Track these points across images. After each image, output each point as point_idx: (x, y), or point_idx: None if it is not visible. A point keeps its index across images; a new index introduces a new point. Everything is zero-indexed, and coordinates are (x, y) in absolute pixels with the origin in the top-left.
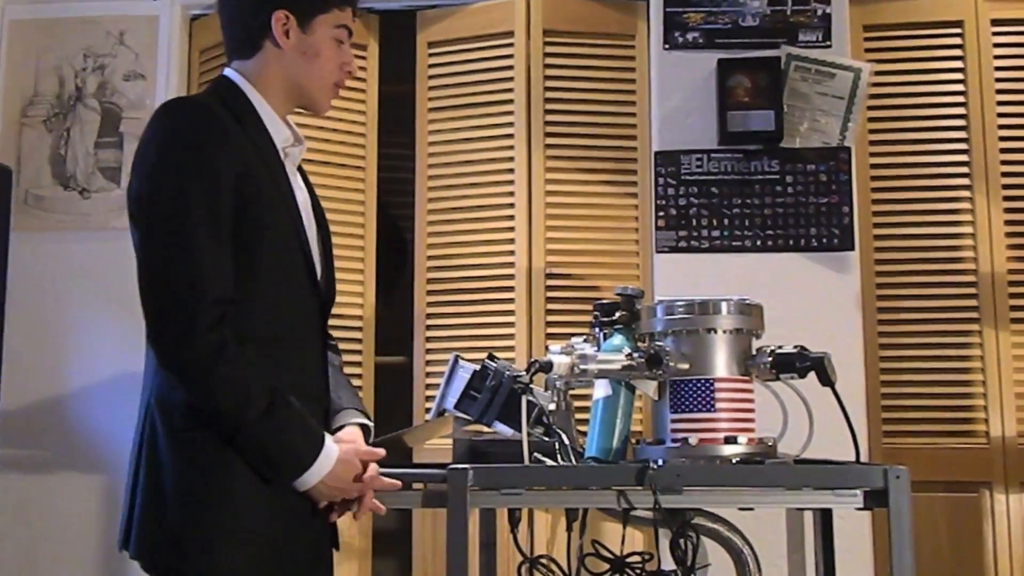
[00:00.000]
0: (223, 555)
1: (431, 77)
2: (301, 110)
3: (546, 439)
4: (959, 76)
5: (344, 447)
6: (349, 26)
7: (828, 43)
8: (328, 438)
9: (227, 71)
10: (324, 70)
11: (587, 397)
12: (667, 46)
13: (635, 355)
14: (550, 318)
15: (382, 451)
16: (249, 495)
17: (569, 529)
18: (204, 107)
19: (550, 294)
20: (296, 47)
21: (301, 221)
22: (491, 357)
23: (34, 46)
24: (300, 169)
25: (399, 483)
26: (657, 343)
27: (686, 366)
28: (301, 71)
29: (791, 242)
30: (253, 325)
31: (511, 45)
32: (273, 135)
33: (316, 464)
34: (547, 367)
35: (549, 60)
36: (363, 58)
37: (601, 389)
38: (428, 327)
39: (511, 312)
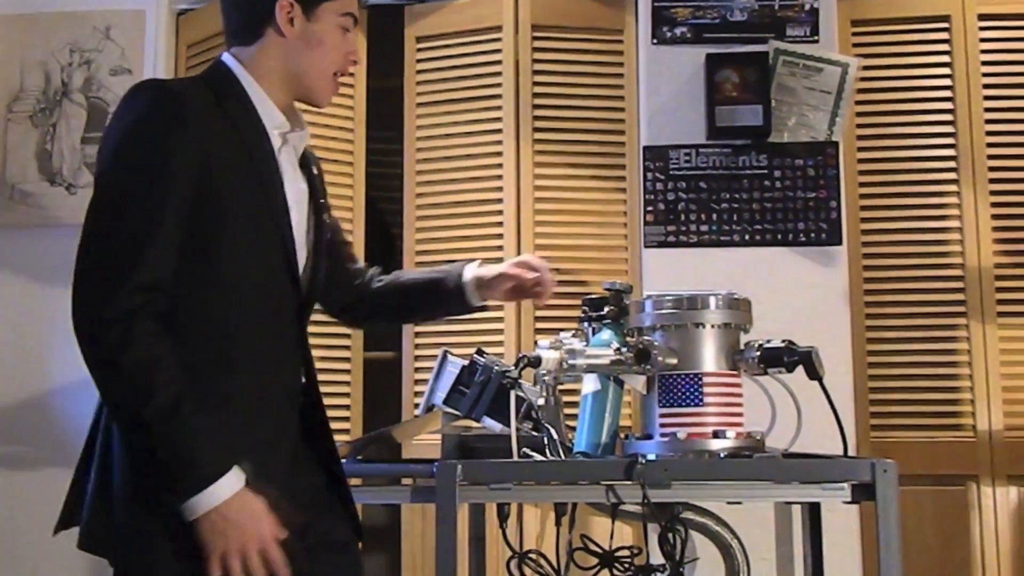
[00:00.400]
0: (169, 558)
1: (419, 72)
2: (300, 102)
3: (535, 434)
4: (946, 71)
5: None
6: (355, 14)
7: (816, 38)
8: (237, 469)
9: (224, 55)
10: (327, 59)
11: (576, 392)
12: (655, 41)
13: (624, 350)
14: (539, 313)
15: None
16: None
17: (558, 524)
18: (169, 91)
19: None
20: (300, 35)
21: (285, 210)
22: (480, 352)
23: (19, 41)
24: (308, 161)
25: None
26: (645, 338)
27: (674, 361)
28: (303, 60)
29: (779, 237)
30: (205, 315)
31: (499, 40)
32: (264, 120)
33: (221, 482)
34: (536, 362)
35: (537, 55)
36: None
37: (590, 384)
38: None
39: (500, 307)
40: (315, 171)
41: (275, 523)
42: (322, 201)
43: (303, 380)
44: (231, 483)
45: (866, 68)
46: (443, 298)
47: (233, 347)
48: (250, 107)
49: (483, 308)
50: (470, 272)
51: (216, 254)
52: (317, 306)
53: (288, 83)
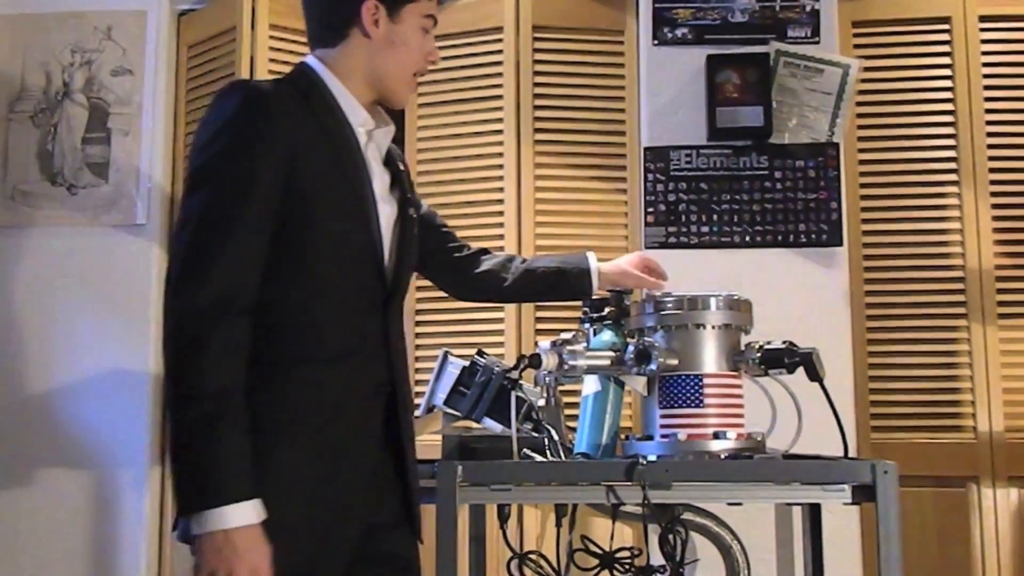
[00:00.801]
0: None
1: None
2: (379, 102)
3: (535, 435)
4: (947, 72)
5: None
6: (435, 15)
7: (817, 39)
8: (259, 503)
9: (308, 58)
10: (409, 60)
11: (576, 393)
12: (656, 42)
13: (624, 351)
14: (539, 314)
15: None
16: (285, 483)
17: (558, 525)
18: (257, 90)
19: None
20: (384, 37)
21: (373, 203)
22: (480, 353)
23: (21, 41)
24: (393, 157)
25: None
26: (646, 339)
27: (675, 362)
28: (387, 61)
29: (780, 238)
30: (293, 305)
31: (500, 41)
32: (349, 117)
33: (240, 507)
34: (536, 363)
35: (538, 56)
36: None
37: (590, 385)
38: (417, 323)
39: (500, 308)
40: (401, 167)
41: (269, 572)
42: (409, 196)
43: (389, 373)
44: (248, 514)
45: (867, 69)
46: (568, 287)
47: (319, 338)
48: (334, 105)
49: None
50: (594, 264)
51: (304, 247)
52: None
53: (370, 83)
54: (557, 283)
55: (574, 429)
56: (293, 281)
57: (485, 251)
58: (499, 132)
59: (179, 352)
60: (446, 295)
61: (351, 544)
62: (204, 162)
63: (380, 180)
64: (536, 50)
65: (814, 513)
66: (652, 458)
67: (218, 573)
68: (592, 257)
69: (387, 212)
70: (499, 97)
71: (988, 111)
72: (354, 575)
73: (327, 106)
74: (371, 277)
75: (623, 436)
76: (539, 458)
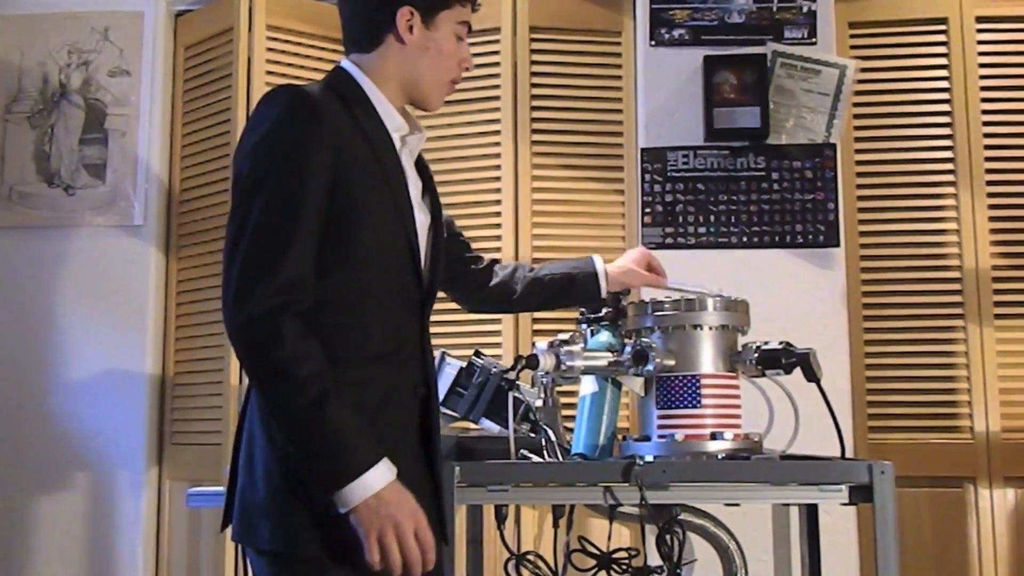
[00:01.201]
0: (307, 539)
1: None
2: (412, 106)
3: (533, 435)
4: (944, 73)
5: (392, 484)
6: (470, 22)
7: (814, 40)
8: (388, 461)
9: (344, 62)
10: (444, 66)
11: (574, 394)
12: (653, 43)
13: (622, 352)
14: (537, 315)
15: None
16: None
17: (556, 525)
18: (303, 93)
19: None
20: (419, 43)
21: (410, 207)
22: (478, 354)
23: (18, 42)
24: (423, 164)
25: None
26: (643, 339)
27: (672, 362)
28: (421, 67)
29: (777, 238)
30: (340, 306)
31: (497, 41)
32: (386, 122)
33: (374, 472)
34: (534, 364)
35: (535, 56)
36: None
37: (588, 385)
38: None
39: None
40: (429, 173)
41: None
42: (439, 202)
43: (424, 375)
44: (383, 474)
45: (864, 70)
46: (578, 292)
47: (364, 338)
48: (372, 110)
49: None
50: (601, 266)
51: (348, 249)
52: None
53: (404, 88)
54: (567, 289)
55: (571, 430)
56: (339, 282)
57: (496, 261)
58: (496, 133)
59: (262, 353)
60: (442, 295)
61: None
62: (254, 167)
63: (415, 185)
64: (533, 51)
65: (811, 513)
66: (649, 459)
67: (385, 531)
68: (599, 260)
69: (421, 217)
70: (496, 98)
71: (985, 112)
72: None
73: (366, 111)
74: (410, 280)
75: (620, 437)
76: (536, 459)
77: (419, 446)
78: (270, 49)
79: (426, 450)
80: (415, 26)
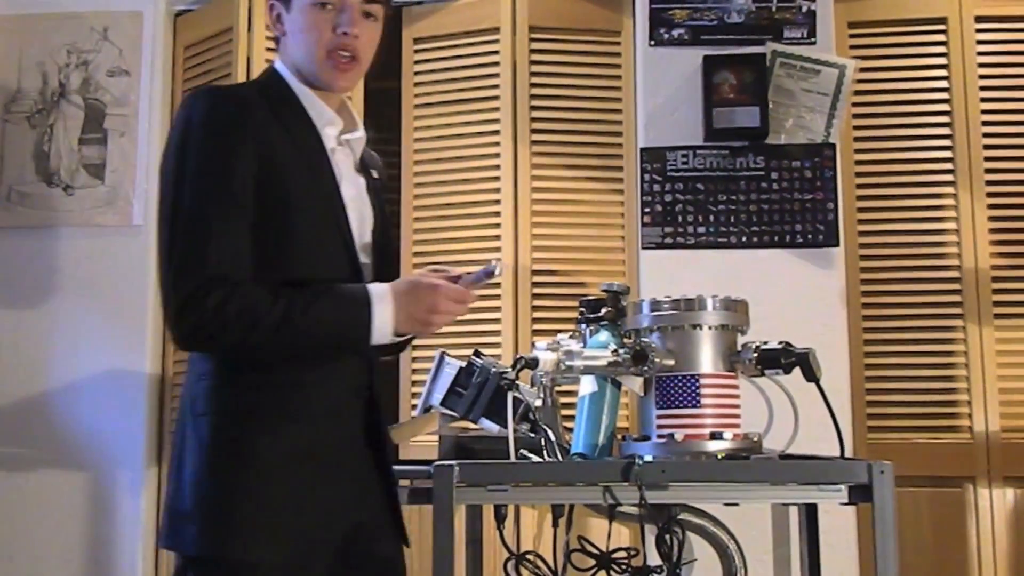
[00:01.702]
0: (240, 543)
1: (417, 73)
2: (319, 90)
3: (532, 435)
4: (943, 73)
5: (394, 283)
6: None
7: (813, 40)
8: (370, 285)
9: (276, 61)
10: (312, 41)
11: (573, 393)
12: (653, 42)
13: (621, 351)
14: (536, 314)
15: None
16: (270, 481)
17: (555, 525)
18: (225, 94)
19: (536, 290)
20: (289, 29)
21: (342, 208)
22: (477, 354)
23: (17, 42)
24: (367, 164)
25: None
26: (643, 339)
27: (671, 362)
28: (297, 51)
29: (776, 238)
30: None
31: (497, 41)
32: (315, 118)
33: (376, 311)
34: (533, 363)
35: (535, 56)
36: None
37: (587, 385)
38: None
39: (497, 308)
40: (375, 175)
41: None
42: (383, 201)
43: (367, 378)
44: (381, 290)
45: (863, 70)
46: None
47: None
48: (299, 107)
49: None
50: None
51: (281, 252)
52: None
53: (303, 78)
54: None
55: (571, 430)
56: (275, 281)
57: None
58: (496, 133)
59: (216, 326)
60: None
61: (336, 543)
62: (180, 165)
63: (352, 185)
64: (533, 51)
65: (811, 513)
66: (649, 458)
67: (433, 315)
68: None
69: (359, 218)
70: (496, 98)
71: (984, 112)
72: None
73: (292, 108)
74: (348, 280)
75: (620, 436)
76: (536, 459)
77: (366, 448)
78: (269, 49)
79: (375, 451)
80: (280, 14)
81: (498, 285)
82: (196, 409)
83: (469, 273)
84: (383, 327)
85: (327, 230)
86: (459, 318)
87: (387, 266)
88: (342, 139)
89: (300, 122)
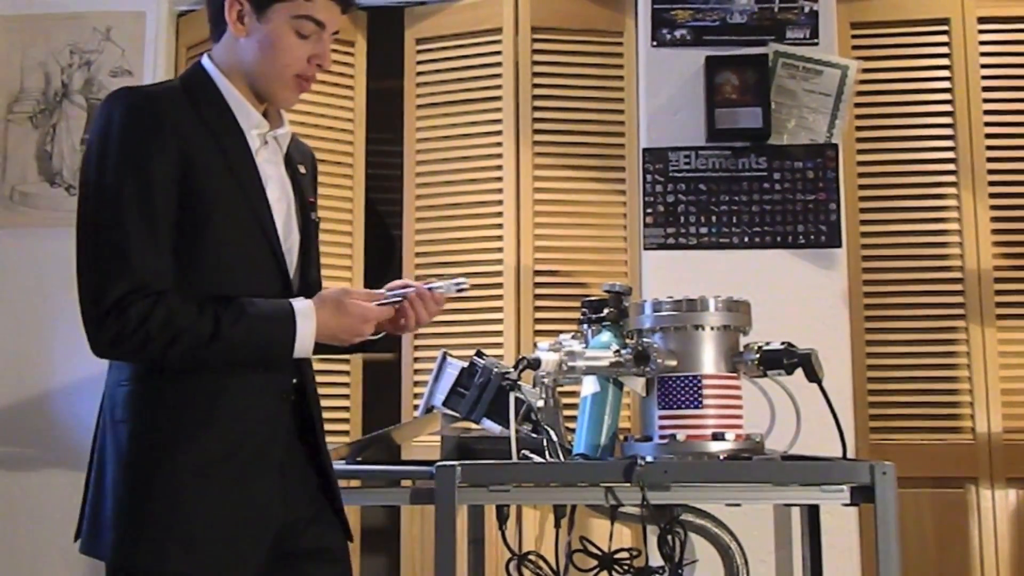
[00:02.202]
0: (154, 553)
1: (419, 73)
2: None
3: (534, 436)
4: (946, 73)
5: (317, 297)
6: (316, 17)
7: (815, 40)
8: (294, 300)
9: (203, 58)
10: (278, 62)
11: (575, 394)
12: (655, 43)
13: (623, 352)
14: (538, 315)
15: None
16: (187, 488)
17: (557, 526)
18: (142, 96)
19: (538, 291)
20: (252, 35)
21: (267, 209)
22: (479, 354)
23: (20, 42)
24: (292, 160)
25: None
26: (645, 340)
27: (674, 363)
28: (256, 61)
29: (778, 239)
30: None
31: (499, 42)
32: (241, 120)
33: (299, 327)
34: (535, 364)
35: (537, 57)
36: (350, 54)
37: (589, 386)
38: None
39: (499, 309)
40: (302, 170)
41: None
42: (311, 200)
43: (295, 380)
44: (304, 305)
45: (866, 71)
46: None
47: None
48: (225, 108)
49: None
50: None
51: (202, 255)
52: None
53: (248, 82)
54: None
55: (573, 430)
56: (194, 284)
57: None
58: (498, 133)
59: (139, 337)
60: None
61: (266, 544)
62: (99, 176)
63: (278, 185)
64: (535, 51)
65: (813, 514)
66: (651, 459)
67: (362, 327)
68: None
69: (284, 218)
70: (498, 98)
71: (987, 112)
72: (276, 574)
73: (217, 109)
74: (274, 285)
75: (622, 437)
76: (538, 459)
77: (297, 445)
78: None
79: (309, 448)
80: (246, 16)
81: (500, 285)
82: (116, 416)
83: (439, 285)
84: (305, 342)
85: (252, 235)
86: (459, 319)
87: (309, 266)
88: (268, 136)
89: (225, 124)
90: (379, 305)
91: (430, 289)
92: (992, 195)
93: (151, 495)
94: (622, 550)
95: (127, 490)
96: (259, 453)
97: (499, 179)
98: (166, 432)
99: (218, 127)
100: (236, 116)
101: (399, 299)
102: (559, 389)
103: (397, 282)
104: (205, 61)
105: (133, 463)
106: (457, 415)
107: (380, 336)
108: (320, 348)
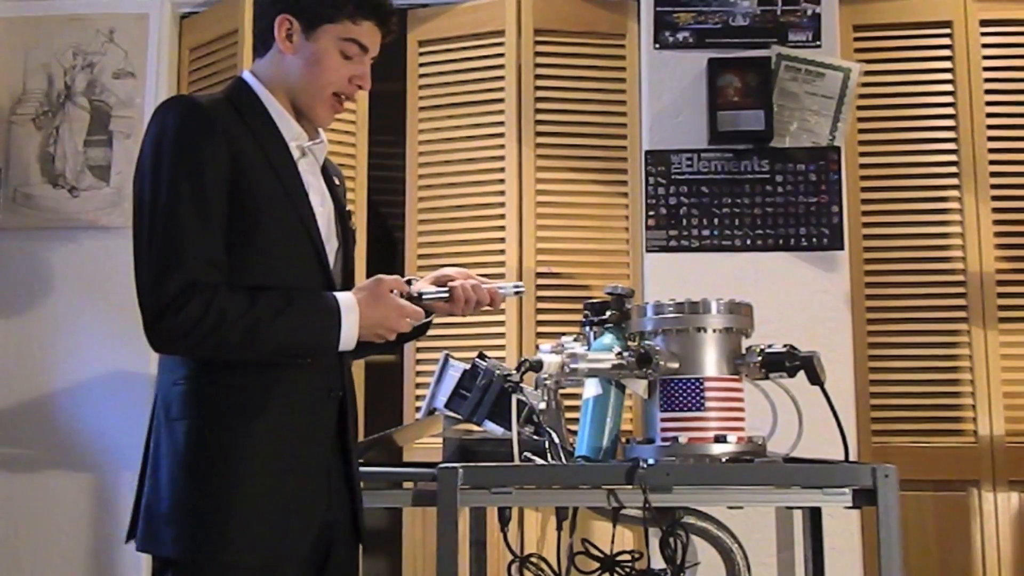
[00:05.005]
0: (218, 544)
1: (422, 76)
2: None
3: (536, 438)
4: (948, 76)
5: (356, 290)
6: (361, 41)
7: (818, 43)
8: (337, 294)
9: (244, 72)
10: (322, 79)
11: (577, 396)
12: (657, 46)
13: (625, 354)
14: (540, 317)
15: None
16: (244, 483)
17: (559, 528)
18: (197, 104)
19: (540, 293)
20: (299, 52)
21: (311, 216)
22: (481, 356)
23: (23, 43)
24: (329, 171)
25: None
26: (647, 342)
27: (676, 365)
28: (300, 77)
29: (781, 241)
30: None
31: (502, 44)
32: (283, 131)
33: (344, 320)
34: (537, 366)
35: (540, 59)
36: None
37: (591, 388)
38: None
39: (502, 311)
40: (336, 181)
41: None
42: (346, 209)
43: (342, 375)
44: (348, 300)
45: (868, 73)
46: None
47: None
48: (268, 120)
49: None
50: None
51: (253, 255)
52: None
53: (289, 97)
54: None
55: (575, 432)
56: (246, 286)
57: None
58: (500, 135)
59: (192, 329)
60: None
61: (312, 537)
62: (154, 175)
63: (318, 193)
64: (537, 54)
65: (815, 517)
66: (652, 461)
67: (397, 322)
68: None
69: (326, 225)
70: (500, 101)
71: (989, 115)
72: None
73: (262, 119)
74: (318, 286)
75: (624, 439)
76: (540, 461)
77: (335, 449)
78: None
79: (342, 455)
80: (295, 34)
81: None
82: (171, 414)
83: (499, 284)
84: (349, 336)
85: (298, 239)
86: (461, 321)
87: (349, 270)
88: (306, 147)
89: (269, 133)
90: (417, 302)
91: (489, 288)
92: (994, 198)
93: (209, 490)
94: (624, 552)
95: (185, 486)
96: (306, 445)
97: (501, 181)
98: (222, 428)
99: (263, 136)
100: (278, 126)
101: (443, 295)
102: (561, 391)
103: (455, 270)
104: (247, 75)
105: (190, 459)
106: (459, 417)
107: (427, 321)
108: (365, 348)
